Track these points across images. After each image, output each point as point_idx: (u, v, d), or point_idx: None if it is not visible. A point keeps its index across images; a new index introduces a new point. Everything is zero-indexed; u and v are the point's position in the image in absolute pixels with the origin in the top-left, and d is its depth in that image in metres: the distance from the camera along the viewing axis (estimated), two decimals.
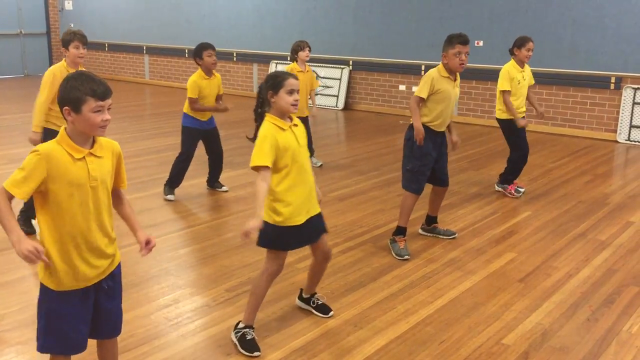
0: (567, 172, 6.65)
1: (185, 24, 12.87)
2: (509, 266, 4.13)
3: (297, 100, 2.93)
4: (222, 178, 5.96)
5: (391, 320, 3.37)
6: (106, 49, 14.61)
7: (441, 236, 4.58)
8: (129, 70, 14.45)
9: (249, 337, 3.02)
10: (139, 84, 13.82)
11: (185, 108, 5.48)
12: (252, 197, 5.58)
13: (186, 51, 12.79)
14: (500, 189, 5.74)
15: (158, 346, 3.05)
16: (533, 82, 5.74)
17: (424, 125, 4.16)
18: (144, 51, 13.88)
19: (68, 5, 15.24)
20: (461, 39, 4.06)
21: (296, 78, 2.99)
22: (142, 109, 10.44)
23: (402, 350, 3.07)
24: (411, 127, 4.23)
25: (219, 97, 5.57)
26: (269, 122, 2.98)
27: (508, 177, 5.71)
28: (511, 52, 5.57)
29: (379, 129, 8.91)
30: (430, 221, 4.63)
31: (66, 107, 2.17)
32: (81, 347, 2.37)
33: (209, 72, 5.46)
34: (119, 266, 2.42)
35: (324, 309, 3.40)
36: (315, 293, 3.45)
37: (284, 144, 2.93)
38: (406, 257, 4.16)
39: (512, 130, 5.56)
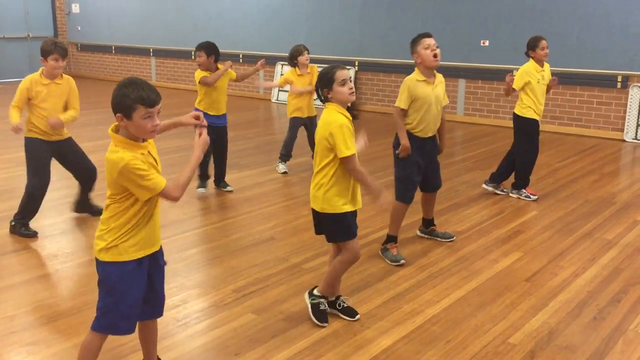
0: (573, 171, 6.64)
1: (191, 26, 12.92)
2: (515, 265, 4.14)
3: (352, 89, 3.12)
4: (229, 179, 5.99)
5: (397, 319, 3.38)
6: (113, 51, 14.68)
7: (439, 239, 4.53)
8: (135, 72, 14.51)
9: (322, 307, 3.30)
10: None
11: (197, 103, 5.57)
12: (257, 198, 5.61)
13: (192, 53, 12.83)
14: (514, 195, 5.64)
15: (167, 346, 3.08)
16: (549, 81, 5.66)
17: (408, 132, 4.08)
18: (151, 53, 13.95)
19: (75, 9, 15.32)
20: (424, 34, 4.07)
21: (344, 68, 3.14)
22: None
23: (408, 349, 3.09)
24: (396, 135, 4.16)
25: (235, 80, 5.83)
26: (335, 111, 3.12)
27: (520, 182, 5.63)
28: (527, 55, 5.52)
29: (385, 130, 8.91)
30: (428, 224, 4.58)
31: (119, 114, 2.35)
32: (136, 322, 2.58)
33: (207, 69, 5.64)
34: (161, 248, 2.62)
35: (351, 312, 3.41)
36: (340, 296, 3.47)
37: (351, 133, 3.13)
38: (402, 261, 4.12)
39: (527, 131, 5.51)
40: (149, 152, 2.43)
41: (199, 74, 5.55)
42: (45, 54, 4.38)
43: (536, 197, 5.58)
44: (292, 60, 6.36)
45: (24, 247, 4.43)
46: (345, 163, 3.09)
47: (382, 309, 3.50)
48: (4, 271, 4.02)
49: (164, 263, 2.66)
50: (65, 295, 3.71)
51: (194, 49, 5.70)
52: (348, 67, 10.74)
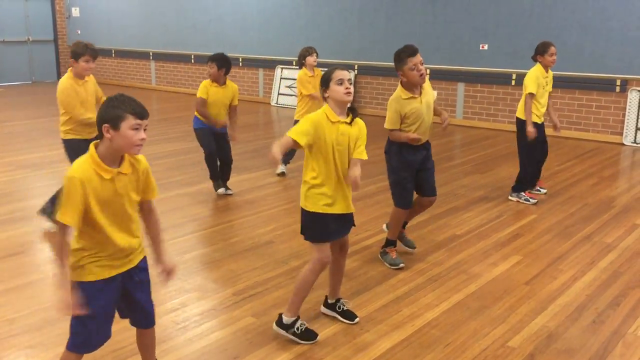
0: (572, 174, 6.65)
1: (191, 30, 12.95)
2: (515, 269, 4.14)
3: (348, 89, 3.05)
4: (228, 182, 5.99)
5: (397, 323, 3.38)
6: (113, 55, 14.71)
7: (402, 244, 4.38)
8: (135, 76, 14.54)
9: (303, 329, 3.17)
10: (146, 89, 13.89)
11: (197, 112, 5.60)
12: (257, 201, 5.60)
13: (192, 57, 12.87)
14: (514, 199, 5.64)
15: (165, 350, 3.08)
16: (551, 88, 5.66)
17: (403, 144, 4.01)
18: (151, 57, 13.97)
19: (75, 12, 15.35)
20: (409, 51, 3.83)
21: (344, 69, 3.12)
22: (150, 115, 10.49)
23: (407, 353, 3.09)
24: (388, 140, 4.12)
25: (232, 108, 5.67)
26: (322, 111, 3.09)
27: (521, 185, 5.64)
28: (534, 59, 5.52)
29: (384, 133, 8.92)
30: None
31: (105, 125, 2.28)
32: (105, 339, 2.51)
33: (215, 80, 5.55)
34: (144, 259, 2.55)
35: (350, 315, 3.41)
36: (340, 298, 3.47)
37: (325, 135, 3.04)
38: (401, 265, 4.11)
39: (525, 135, 5.53)
40: (113, 178, 2.31)
41: (204, 87, 5.52)
42: (76, 55, 4.54)
43: (535, 200, 5.59)
44: (301, 60, 6.39)
45: (23, 250, 4.43)
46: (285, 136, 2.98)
47: (382, 313, 3.50)
48: (3, 274, 4.02)
49: (150, 276, 2.59)
50: None
51: (207, 58, 5.64)
52: (347, 70, 10.74)
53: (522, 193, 5.63)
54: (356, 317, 3.40)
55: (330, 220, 3.12)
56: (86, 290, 2.36)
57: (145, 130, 2.34)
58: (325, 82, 3.10)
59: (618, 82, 8.32)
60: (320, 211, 3.09)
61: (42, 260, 4.33)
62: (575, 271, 4.10)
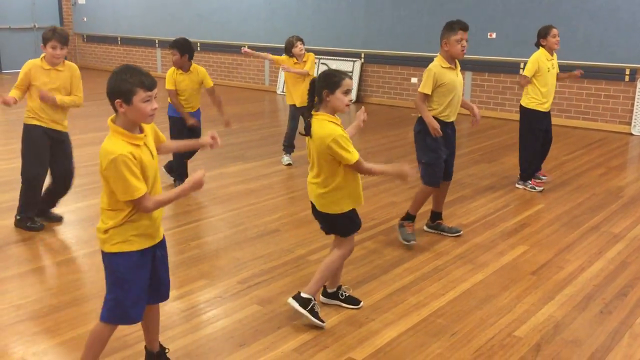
0: (580, 164, 6.60)
1: (197, 17, 12.89)
2: (521, 259, 4.12)
3: (350, 101, 3.07)
4: (234, 171, 5.99)
5: (403, 312, 3.38)
6: (119, 42, 14.68)
7: (445, 233, 4.50)
8: (141, 63, 14.51)
9: (316, 309, 3.21)
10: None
11: (170, 101, 5.53)
12: (262, 190, 5.59)
13: (198, 45, 12.82)
14: (521, 187, 5.64)
15: (171, 337, 3.08)
16: (558, 70, 5.65)
17: (433, 116, 4.14)
18: (156, 45, 13.93)
19: (81, 0, 15.31)
20: (462, 25, 4.06)
21: (351, 78, 3.11)
22: None
23: (413, 342, 3.08)
24: (419, 120, 4.21)
25: (209, 91, 5.57)
26: (328, 122, 3.03)
27: (526, 174, 5.63)
28: (538, 45, 5.50)
29: (391, 122, 8.90)
30: (435, 217, 4.56)
31: (118, 100, 2.34)
32: (141, 316, 2.58)
33: (180, 67, 5.46)
34: (164, 238, 2.63)
35: (354, 300, 3.43)
36: (341, 285, 3.48)
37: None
38: (412, 242, 4.20)
39: (530, 122, 5.52)
40: (145, 143, 2.42)
41: (170, 76, 5.43)
42: (44, 40, 4.31)
43: (541, 188, 5.57)
44: (287, 52, 6.37)
45: (30, 237, 4.44)
46: (355, 169, 3.08)
47: (387, 301, 3.49)
48: (10, 260, 4.03)
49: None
50: (71, 285, 3.72)
51: (169, 43, 5.53)
52: (354, 59, 10.71)
53: (529, 181, 5.61)
54: (360, 302, 3.42)
55: (354, 213, 3.26)
56: (129, 261, 2.45)
57: (155, 98, 2.39)
58: (331, 86, 2.99)
59: (627, 72, 8.24)
60: (349, 209, 3.19)
61: (50, 247, 4.34)
62: (583, 261, 4.08)
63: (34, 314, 3.32)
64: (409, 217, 4.32)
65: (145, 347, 2.81)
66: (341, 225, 3.25)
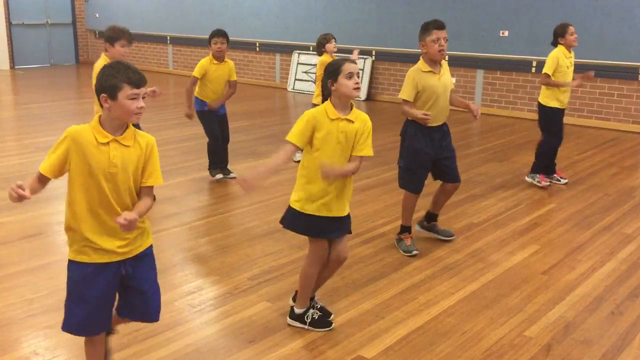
0: (593, 164, 6.56)
1: (208, 14, 12.91)
2: (533, 258, 4.10)
3: (357, 84, 2.90)
4: (245, 167, 6.00)
5: (412, 310, 3.37)
6: None
7: (439, 236, 4.38)
8: (152, 60, 14.56)
9: (316, 317, 3.14)
10: (163, 73, 13.92)
11: (196, 92, 5.60)
12: (273, 187, 5.60)
13: (209, 41, 12.84)
14: (529, 179, 5.67)
15: (182, 332, 3.09)
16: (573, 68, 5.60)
17: (419, 127, 3.99)
18: (168, 41, 13.97)
19: None
20: (437, 24, 3.85)
21: (354, 62, 2.95)
22: (165, 99, 10.52)
23: (423, 340, 3.07)
24: (404, 122, 4.10)
25: (231, 84, 5.68)
26: (322, 106, 2.95)
27: (537, 166, 5.66)
28: (555, 43, 5.46)
29: (402, 120, 8.86)
30: (430, 218, 4.42)
31: (103, 95, 2.26)
32: (102, 327, 2.46)
33: (216, 58, 5.56)
34: (149, 250, 2.45)
35: (324, 321, 3.19)
36: (313, 297, 3.27)
37: (325, 132, 2.90)
38: (415, 252, 4.09)
39: (550, 120, 5.52)
40: (109, 143, 2.25)
41: (202, 66, 5.52)
42: (111, 40, 4.47)
43: (548, 184, 5.59)
44: (320, 48, 6.34)
45: (42, 232, 4.48)
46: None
47: (397, 300, 3.49)
48: (23, 255, 4.06)
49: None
50: None
51: (211, 35, 5.63)
52: (365, 56, 10.68)
53: (537, 175, 5.61)
54: (330, 323, 3.20)
55: (312, 219, 2.99)
56: (79, 271, 2.35)
57: (144, 98, 2.29)
58: (333, 74, 2.91)
59: None
60: (297, 208, 3.00)
61: (62, 241, 4.36)
62: (594, 262, 4.05)
63: (46, 308, 3.34)
64: (404, 230, 4.21)
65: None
66: (286, 217, 3.05)
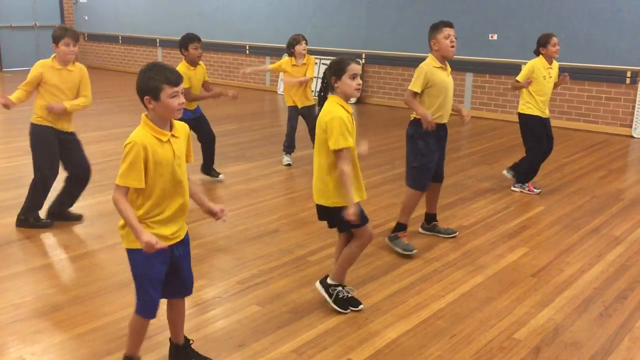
0: (581, 167, 6.60)
1: (198, 17, 12.89)
2: (522, 261, 4.11)
3: (359, 85, 3.09)
4: (234, 171, 5.99)
5: (402, 313, 3.37)
6: (120, 41, 14.67)
7: (441, 235, 4.48)
8: (142, 62, 14.50)
9: (341, 295, 3.32)
10: None
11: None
12: (262, 190, 5.59)
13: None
14: (517, 189, 5.62)
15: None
16: (557, 79, 5.56)
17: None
18: (157, 44, 13.93)
19: None
20: (447, 23, 4.07)
21: (358, 63, 3.11)
22: None
23: (413, 343, 3.08)
24: (412, 123, 4.16)
25: (205, 85, 5.69)
26: (335, 103, 3.10)
27: (525, 176, 5.61)
28: (537, 53, 5.47)
29: (392, 123, 8.89)
30: (430, 219, 4.52)
31: (147, 97, 2.44)
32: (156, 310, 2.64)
33: (193, 63, 5.54)
34: (187, 234, 2.68)
35: (354, 302, 3.41)
36: (345, 286, 3.46)
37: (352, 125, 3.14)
38: (414, 251, 4.13)
39: (528, 128, 5.51)
40: (169, 140, 2.48)
41: (185, 75, 5.46)
42: (56, 39, 4.34)
43: (539, 191, 5.59)
44: (289, 49, 6.34)
45: (29, 236, 4.44)
46: (335, 156, 3.07)
47: (387, 303, 3.49)
48: (9, 259, 4.02)
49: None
50: (69, 284, 3.72)
51: (189, 40, 5.57)
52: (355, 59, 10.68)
53: (526, 184, 5.61)
54: (360, 303, 3.42)
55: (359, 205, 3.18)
56: (143, 256, 2.47)
57: (182, 93, 2.48)
58: (337, 73, 3.06)
59: (628, 74, 8.23)
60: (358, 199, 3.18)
61: (49, 246, 4.33)
62: (583, 264, 4.08)
63: (33, 313, 3.32)
64: (401, 227, 4.24)
65: (170, 339, 2.85)
66: (342, 218, 3.14)
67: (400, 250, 4.14)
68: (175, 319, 2.80)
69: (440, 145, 4.25)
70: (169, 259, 2.58)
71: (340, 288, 3.36)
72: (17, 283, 3.67)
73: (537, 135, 5.50)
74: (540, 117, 5.45)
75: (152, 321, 3.08)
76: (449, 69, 4.18)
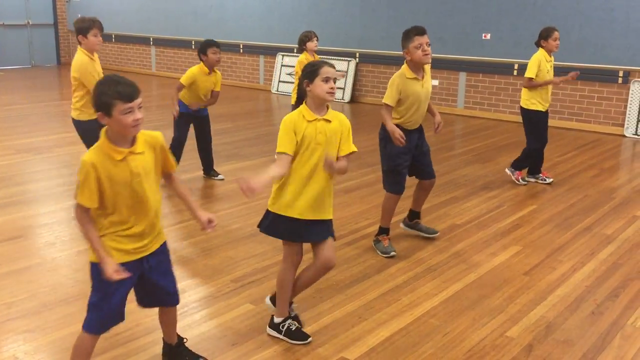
0: (573, 166, 6.63)
1: (192, 15, 12.86)
2: (514, 259, 4.13)
3: (333, 88, 2.88)
4: (228, 169, 5.98)
5: (395, 312, 3.38)
6: (113, 40, 14.62)
7: (422, 233, 4.44)
8: (135, 61, 14.47)
9: (293, 328, 3.05)
10: (146, 75, 13.83)
11: (181, 96, 5.57)
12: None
13: (193, 43, 12.78)
14: (509, 172, 5.80)
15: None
16: (553, 72, 5.69)
17: (395, 124, 4.03)
18: (151, 42, 13.89)
19: None
20: (417, 30, 3.88)
21: (332, 66, 2.93)
22: (148, 101, 10.45)
23: (406, 341, 3.08)
24: (382, 126, 4.13)
25: (214, 94, 5.67)
26: (298, 110, 2.93)
27: (520, 163, 5.79)
28: (538, 45, 5.57)
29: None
30: (413, 216, 4.49)
31: (99, 112, 2.30)
32: (116, 323, 2.56)
33: (211, 68, 5.56)
34: (164, 244, 2.58)
35: (300, 334, 3.09)
36: (292, 302, 3.20)
37: (303, 135, 2.87)
38: (392, 253, 4.11)
39: (533, 122, 5.62)
40: (126, 158, 2.32)
41: (192, 75, 5.48)
42: (84, 31, 4.46)
43: (525, 183, 5.74)
44: (301, 45, 6.32)
45: (22, 235, 4.42)
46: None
47: (380, 301, 3.50)
48: (2, 258, 4.01)
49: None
50: (62, 283, 3.70)
51: (203, 44, 5.60)
52: (349, 58, 10.71)
53: (516, 172, 5.74)
54: (307, 337, 3.09)
55: (286, 222, 2.96)
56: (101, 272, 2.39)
57: (140, 108, 2.31)
58: (309, 76, 2.89)
59: (620, 74, 8.28)
60: (275, 211, 2.98)
61: (41, 244, 4.32)
62: (575, 262, 4.10)
63: (25, 312, 3.30)
64: (383, 231, 4.23)
65: (163, 338, 2.84)
66: (264, 221, 3.03)
67: (380, 253, 4.15)
68: (166, 322, 2.77)
69: (418, 145, 4.15)
70: (135, 275, 2.46)
71: (287, 322, 3.07)
72: (9, 282, 3.66)
73: (538, 130, 5.65)
74: (542, 111, 5.57)
75: (142, 321, 3.10)
76: (428, 75, 4.05)
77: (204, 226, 2.57)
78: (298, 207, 2.92)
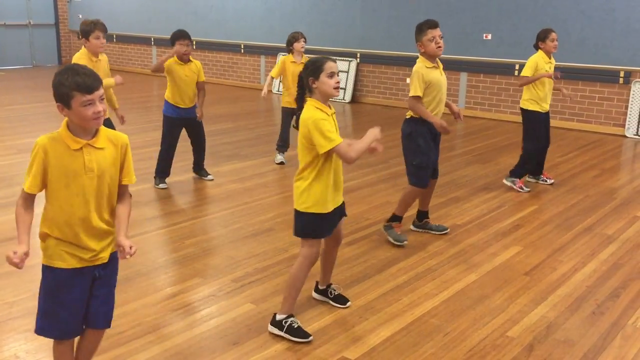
0: (574, 166, 6.63)
1: (193, 15, 12.87)
2: (515, 259, 4.13)
3: (338, 83, 2.98)
4: (229, 169, 5.98)
5: (396, 311, 3.38)
6: (114, 40, 14.63)
7: (433, 232, 4.52)
8: (136, 61, 14.48)
9: (295, 326, 3.07)
10: (147, 75, 13.83)
11: (166, 94, 5.55)
12: (257, 189, 5.59)
13: (194, 43, 12.78)
14: (509, 183, 5.69)
15: (164, 335, 3.08)
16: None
17: (422, 119, 4.11)
18: (152, 42, 13.90)
19: None
20: (430, 24, 4.07)
21: (334, 61, 3.01)
22: (149, 101, 10.46)
23: (407, 341, 3.09)
24: (408, 121, 4.20)
25: (200, 84, 5.61)
26: (314, 108, 2.95)
27: (519, 170, 5.67)
28: (536, 47, 5.58)
29: (387, 122, 8.90)
30: (422, 216, 4.57)
31: (58, 104, 2.19)
32: (75, 332, 2.41)
33: (182, 60, 5.55)
34: (112, 255, 2.38)
35: (341, 300, 3.42)
36: (331, 284, 3.47)
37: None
38: (405, 241, 4.21)
39: (532, 123, 5.60)
40: (82, 149, 2.20)
41: (170, 65, 5.50)
42: (86, 34, 4.61)
43: (528, 189, 5.63)
44: (288, 46, 6.36)
45: None
46: (340, 157, 2.95)
47: (381, 301, 3.50)
48: (1, 258, 4.00)
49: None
50: None
51: (172, 36, 5.67)
52: (350, 58, 10.71)
53: (517, 180, 5.65)
54: (347, 300, 3.42)
55: (319, 220, 3.04)
56: (57, 277, 2.31)
57: (102, 100, 2.19)
58: (314, 73, 2.93)
59: (621, 74, 8.28)
60: (312, 211, 3.03)
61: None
62: (576, 262, 4.10)
63: (27, 311, 3.31)
64: (396, 218, 4.32)
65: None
66: (298, 223, 3.07)
67: (392, 240, 4.22)
68: (85, 349, 2.49)
69: (436, 143, 4.31)
70: (89, 281, 2.33)
71: (289, 319, 3.09)
72: (10, 281, 3.66)
73: (536, 132, 5.62)
74: (540, 112, 5.54)
75: (137, 322, 3.08)
76: (441, 66, 4.22)
77: (121, 254, 2.26)
78: (329, 201, 3.04)
